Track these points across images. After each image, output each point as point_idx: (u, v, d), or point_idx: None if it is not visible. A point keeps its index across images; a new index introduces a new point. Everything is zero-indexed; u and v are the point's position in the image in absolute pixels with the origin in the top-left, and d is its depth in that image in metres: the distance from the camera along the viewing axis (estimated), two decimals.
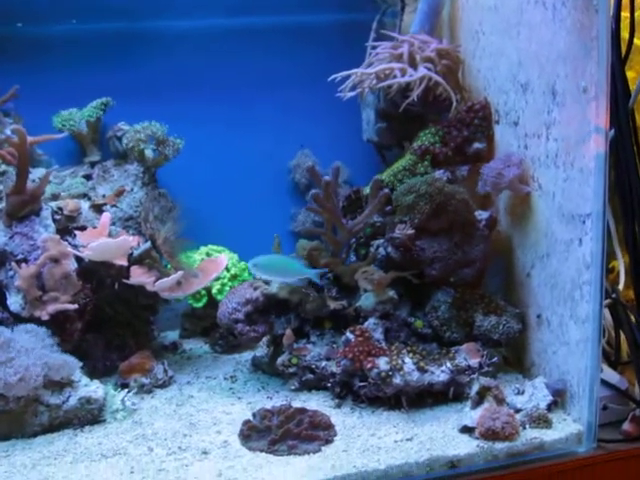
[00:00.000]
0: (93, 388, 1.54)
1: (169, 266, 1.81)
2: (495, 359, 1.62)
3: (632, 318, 1.58)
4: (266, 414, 1.47)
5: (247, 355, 1.93)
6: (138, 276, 1.74)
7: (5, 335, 1.49)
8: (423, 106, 1.87)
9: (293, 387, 1.68)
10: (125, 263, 1.73)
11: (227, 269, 1.99)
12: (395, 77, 1.84)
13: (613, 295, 1.61)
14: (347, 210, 1.82)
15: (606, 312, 1.61)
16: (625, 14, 1.59)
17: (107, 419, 1.54)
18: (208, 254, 2.04)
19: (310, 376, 1.67)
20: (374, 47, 1.95)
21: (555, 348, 1.56)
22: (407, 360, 1.56)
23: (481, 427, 1.41)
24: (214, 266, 1.87)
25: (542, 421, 1.45)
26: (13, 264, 1.62)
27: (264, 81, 2.14)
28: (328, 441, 1.42)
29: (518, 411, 1.48)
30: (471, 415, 1.45)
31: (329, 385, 1.63)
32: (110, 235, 1.76)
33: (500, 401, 1.47)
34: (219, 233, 2.09)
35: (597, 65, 1.35)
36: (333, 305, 1.71)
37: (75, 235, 1.75)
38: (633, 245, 1.61)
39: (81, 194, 1.92)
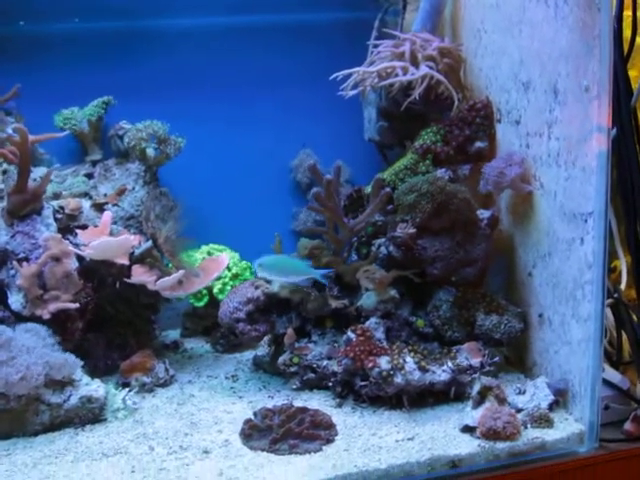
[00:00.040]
0: (94, 387, 1.54)
1: (170, 265, 1.81)
2: (496, 358, 1.62)
3: (634, 318, 1.58)
4: (267, 413, 1.47)
5: (248, 354, 1.93)
6: (139, 275, 1.74)
7: (6, 334, 1.49)
8: (425, 105, 1.87)
9: (294, 386, 1.68)
10: (126, 262, 1.73)
11: (228, 268, 1.99)
12: (397, 76, 1.83)
13: (615, 295, 1.61)
14: (348, 209, 1.82)
15: (608, 312, 1.61)
16: (627, 12, 1.59)
17: (108, 418, 1.54)
18: (209, 253, 2.04)
19: (311, 375, 1.67)
20: (376, 45, 1.95)
21: (557, 348, 1.56)
22: (408, 359, 1.56)
23: (482, 427, 1.40)
24: (215, 265, 1.87)
25: (544, 421, 1.45)
26: (14, 263, 1.62)
27: (265, 80, 2.14)
28: (329, 440, 1.42)
29: (519, 411, 1.48)
30: (472, 415, 1.44)
31: (330, 384, 1.63)
32: (111, 234, 1.76)
33: (501, 401, 1.47)
34: (220, 232, 2.09)
35: (599, 64, 1.35)
36: (334, 304, 1.71)
37: (76, 234, 1.75)
38: (635, 245, 1.60)
39: (82, 193, 1.92)
